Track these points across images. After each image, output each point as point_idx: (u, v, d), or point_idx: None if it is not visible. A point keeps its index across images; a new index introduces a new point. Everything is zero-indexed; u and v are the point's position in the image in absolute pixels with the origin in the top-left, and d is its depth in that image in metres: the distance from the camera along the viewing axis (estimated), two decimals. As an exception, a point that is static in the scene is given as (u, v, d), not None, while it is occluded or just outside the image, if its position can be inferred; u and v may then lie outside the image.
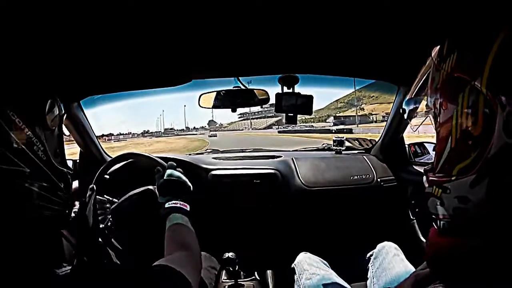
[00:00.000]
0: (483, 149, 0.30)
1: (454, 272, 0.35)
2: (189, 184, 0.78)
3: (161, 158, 0.97)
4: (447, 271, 0.36)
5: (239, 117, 65.28)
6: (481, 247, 0.31)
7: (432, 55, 0.38)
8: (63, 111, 0.49)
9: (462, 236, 0.34)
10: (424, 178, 0.40)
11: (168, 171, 0.79)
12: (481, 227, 0.32)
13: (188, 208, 0.71)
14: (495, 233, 0.31)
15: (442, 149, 0.35)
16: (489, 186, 0.30)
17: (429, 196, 0.38)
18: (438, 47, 0.37)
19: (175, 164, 0.82)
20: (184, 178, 0.79)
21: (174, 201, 0.70)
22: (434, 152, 0.38)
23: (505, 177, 0.29)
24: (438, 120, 0.36)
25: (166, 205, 0.69)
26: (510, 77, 0.28)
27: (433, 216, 0.37)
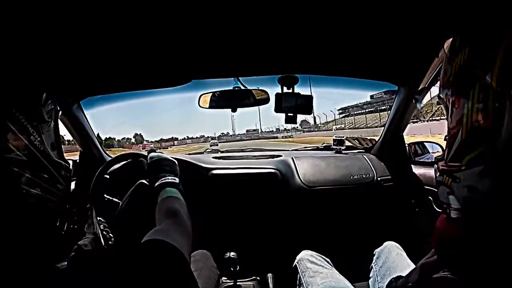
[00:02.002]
0: (492, 141, 0.31)
1: (460, 259, 0.36)
2: (171, 158, 0.79)
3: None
4: (454, 258, 0.37)
5: (340, 113, 45.89)
6: (488, 236, 0.33)
7: (445, 47, 0.39)
8: (58, 107, 0.49)
9: (470, 225, 0.35)
10: (435, 166, 0.41)
11: (149, 155, 0.81)
12: (488, 216, 0.33)
13: (176, 180, 0.71)
14: (501, 222, 0.32)
15: (453, 140, 0.37)
16: (497, 177, 0.31)
17: (440, 184, 0.39)
18: (450, 41, 0.38)
19: (154, 148, 0.83)
20: (164, 155, 0.80)
21: (162, 178, 0.71)
22: (445, 142, 0.40)
23: None
24: (450, 112, 0.38)
25: (156, 184, 0.70)
26: None
27: (444, 205, 0.38)
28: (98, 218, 0.91)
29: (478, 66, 0.33)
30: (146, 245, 0.44)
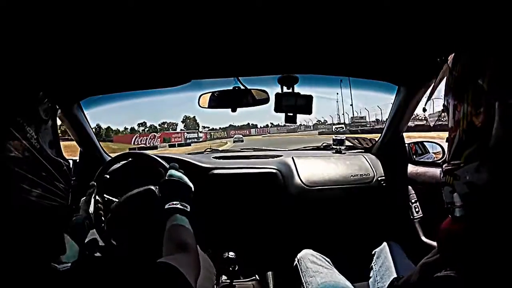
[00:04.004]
0: (485, 138, 0.34)
1: (464, 257, 0.37)
2: (191, 185, 0.79)
3: (160, 157, 0.97)
4: (458, 257, 0.38)
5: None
6: (489, 230, 0.34)
7: (448, 62, 0.43)
8: (57, 106, 0.48)
9: (473, 221, 0.37)
10: (440, 169, 0.44)
11: (170, 171, 0.79)
12: (488, 210, 0.35)
13: (188, 209, 0.71)
14: (501, 215, 0.33)
15: (452, 141, 0.40)
16: (491, 171, 0.34)
17: (444, 185, 0.41)
18: (453, 55, 0.42)
19: (177, 165, 0.82)
20: (185, 179, 0.79)
21: (174, 202, 0.70)
22: (446, 145, 0.44)
23: (505, 163, 0.33)
24: (450, 115, 0.41)
25: (167, 206, 0.70)
26: (508, 77, 0.33)
27: (448, 204, 0.40)
28: (97, 197, 0.91)
29: (472, 72, 0.36)
30: (161, 266, 0.45)
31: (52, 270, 0.39)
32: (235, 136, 31.08)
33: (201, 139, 35.13)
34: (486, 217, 0.35)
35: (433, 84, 0.50)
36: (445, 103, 0.43)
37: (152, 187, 0.87)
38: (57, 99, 1.11)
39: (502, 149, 0.32)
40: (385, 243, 0.97)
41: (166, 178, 0.77)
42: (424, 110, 0.60)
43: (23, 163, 0.38)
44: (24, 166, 0.38)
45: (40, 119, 0.42)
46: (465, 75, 0.38)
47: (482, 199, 0.35)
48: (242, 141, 24.62)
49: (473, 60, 0.37)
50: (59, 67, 0.82)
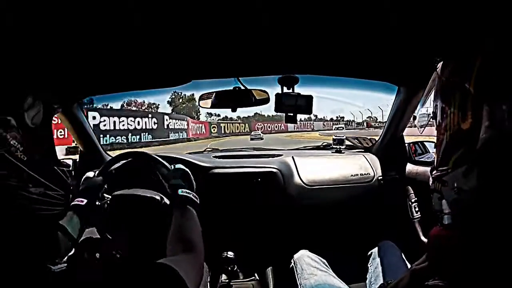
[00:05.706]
0: (472, 142, 0.33)
1: (453, 266, 0.37)
2: (193, 181, 0.80)
3: (160, 156, 0.97)
4: (447, 266, 0.38)
5: None
6: (477, 237, 0.34)
7: (437, 70, 0.43)
8: (55, 107, 0.47)
9: (461, 228, 0.36)
10: (430, 177, 0.43)
11: (178, 165, 0.83)
12: (476, 216, 0.34)
13: (198, 201, 0.71)
14: (488, 220, 0.33)
15: (440, 146, 0.40)
16: (479, 175, 0.33)
17: (433, 192, 0.41)
18: (441, 63, 0.42)
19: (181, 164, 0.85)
20: (189, 173, 0.81)
21: (187, 190, 0.69)
22: (435, 151, 0.43)
23: (493, 166, 0.32)
24: (438, 119, 0.41)
25: (180, 192, 0.68)
26: (494, 79, 0.33)
27: (437, 212, 0.39)
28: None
29: (459, 75, 0.36)
30: (158, 268, 0.44)
31: (47, 272, 0.39)
32: (252, 133, 21.51)
33: (173, 138, 15.82)
34: (474, 223, 0.34)
35: (424, 91, 0.50)
36: (434, 109, 0.43)
37: (158, 198, 0.86)
38: (57, 99, 1.11)
39: (490, 152, 0.32)
40: (381, 243, 0.97)
41: (177, 167, 0.80)
42: (414, 118, 0.60)
43: (9, 179, 0.37)
44: (10, 183, 0.37)
45: (26, 128, 0.41)
46: (453, 79, 0.38)
47: (470, 205, 0.34)
48: (262, 138, 16.93)
49: (460, 64, 0.37)
50: (59, 67, 0.82)
